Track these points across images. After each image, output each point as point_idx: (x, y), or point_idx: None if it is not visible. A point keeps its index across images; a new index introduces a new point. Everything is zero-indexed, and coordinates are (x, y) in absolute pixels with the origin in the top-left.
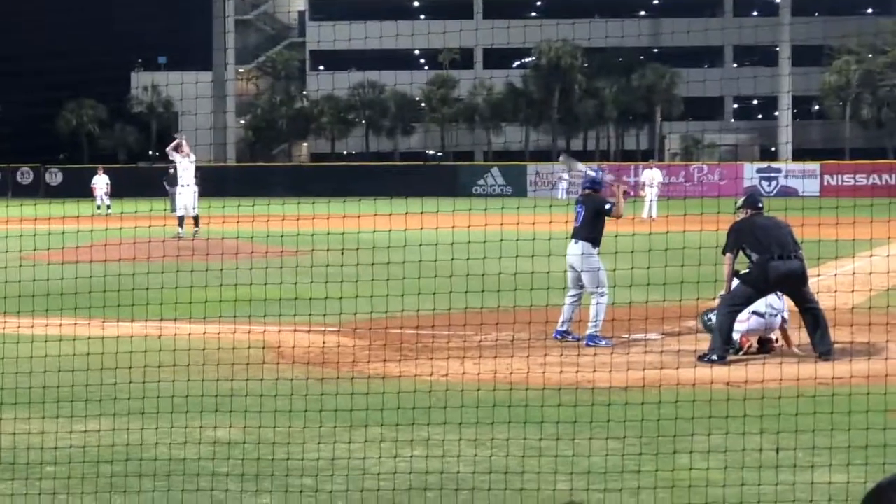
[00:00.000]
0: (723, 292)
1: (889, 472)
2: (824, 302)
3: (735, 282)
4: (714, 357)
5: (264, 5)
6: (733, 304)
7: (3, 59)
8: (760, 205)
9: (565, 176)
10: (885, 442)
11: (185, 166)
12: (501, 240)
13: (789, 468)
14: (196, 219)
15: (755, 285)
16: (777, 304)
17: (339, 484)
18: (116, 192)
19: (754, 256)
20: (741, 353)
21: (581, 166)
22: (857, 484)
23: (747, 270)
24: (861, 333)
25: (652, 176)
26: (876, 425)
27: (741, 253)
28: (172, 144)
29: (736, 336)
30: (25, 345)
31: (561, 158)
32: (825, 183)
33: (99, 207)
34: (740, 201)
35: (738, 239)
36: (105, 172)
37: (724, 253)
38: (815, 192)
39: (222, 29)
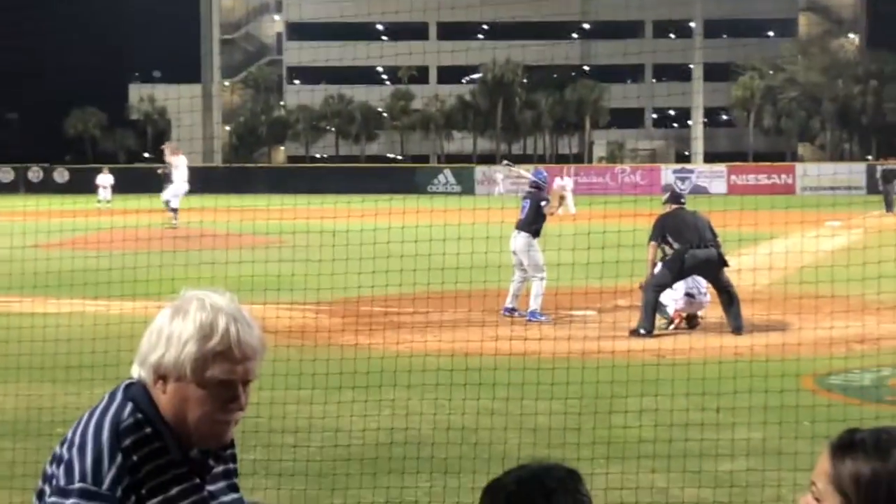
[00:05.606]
0: (648, 274)
1: (801, 430)
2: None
3: (658, 266)
4: (642, 331)
5: (246, 27)
6: (657, 286)
7: (22, 75)
8: (683, 200)
9: (499, 178)
10: (798, 403)
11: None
12: (458, 236)
13: (712, 426)
14: (174, 210)
15: (673, 269)
16: (703, 286)
17: (317, 442)
18: (117, 189)
19: (675, 245)
20: (671, 327)
21: (521, 171)
22: (772, 440)
23: (668, 257)
24: (776, 311)
25: (563, 184)
26: (789, 388)
27: (663, 242)
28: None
29: (671, 311)
30: (39, 319)
31: (504, 163)
32: (731, 182)
33: (99, 202)
34: (665, 197)
35: (663, 229)
36: (110, 171)
37: (649, 242)
38: (722, 191)
39: (210, 47)
